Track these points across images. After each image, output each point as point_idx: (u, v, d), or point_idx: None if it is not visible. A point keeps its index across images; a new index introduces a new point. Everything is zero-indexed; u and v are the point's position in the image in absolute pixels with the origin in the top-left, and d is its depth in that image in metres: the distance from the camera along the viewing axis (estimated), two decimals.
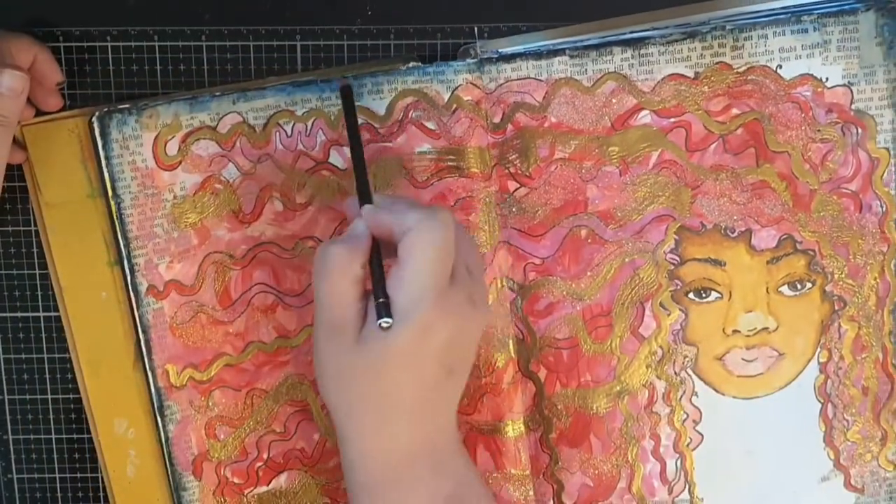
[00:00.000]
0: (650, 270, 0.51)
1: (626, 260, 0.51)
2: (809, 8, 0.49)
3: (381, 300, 0.40)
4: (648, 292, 0.51)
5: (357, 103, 0.49)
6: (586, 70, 0.49)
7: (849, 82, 0.49)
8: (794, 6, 0.49)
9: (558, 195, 0.51)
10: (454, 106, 0.49)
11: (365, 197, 0.43)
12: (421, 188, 0.50)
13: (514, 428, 0.51)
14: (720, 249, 0.51)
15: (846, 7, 0.49)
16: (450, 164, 0.50)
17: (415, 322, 0.40)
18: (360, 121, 0.49)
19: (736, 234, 0.51)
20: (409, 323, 0.40)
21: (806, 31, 0.49)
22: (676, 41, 0.49)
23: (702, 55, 0.49)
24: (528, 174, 0.50)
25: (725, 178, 0.50)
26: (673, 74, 0.49)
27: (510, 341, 0.51)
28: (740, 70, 0.49)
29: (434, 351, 0.40)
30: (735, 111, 0.50)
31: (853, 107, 0.50)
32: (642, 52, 0.49)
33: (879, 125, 0.50)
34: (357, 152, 0.45)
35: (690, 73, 0.49)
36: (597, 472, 0.53)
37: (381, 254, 0.42)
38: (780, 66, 0.49)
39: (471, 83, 0.49)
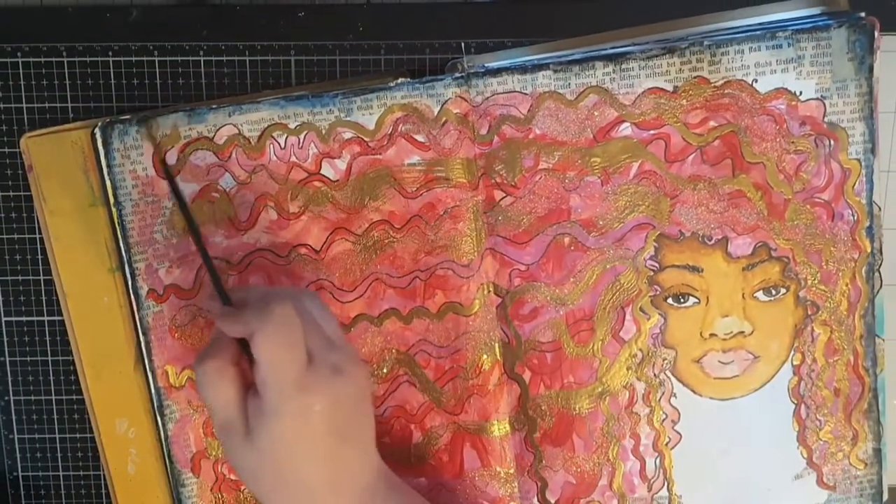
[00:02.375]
0: (630, 276, 0.52)
1: (608, 266, 0.52)
2: (784, 25, 0.50)
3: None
4: (629, 297, 0.52)
5: (347, 119, 0.49)
6: (569, 84, 0.50)
7: (822, 96, 0.50)
8: (770, 23, 0.50)
9: (542, 204, 0.51)
10: (444, 119, 0.50)
11: (223, 298, 0.44)
12: (410, 198, 0.50)
13: (499, 428, 0.52)
14: (698, 256, 0.51)
15: (819, 24, 0.49)
16: (438, 174, 0.50)
17: (286, 412, 0.41)
18: (350, 134, 0.50)
19: (713, 241, 0.51)
20: (282, 415, 0.41)
21: (780, 46, 0.49)
22: (656, 56, 0.49)
23: (680, 70, 0.49)
24: (513, 184, 0.51)
25: (703, 187, 0.51)
26: (653, 88, 0.50)
27: (496, 344, 0.51)
28: (717, 84, 0.50)
29: (316, 428, 0.41)
30: (712, 123, 0.50)
31: (826, 119, 0.50)
32: (623, 66, 0.49)
33: (851, 137, 0.50)
34: (204, 255, 0.45)
35: (669, 87, 0.50)
36: (579, 469, 0.53)
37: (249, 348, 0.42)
38: (756, 81, 0.50)
39: (459, 97, 0.49)
